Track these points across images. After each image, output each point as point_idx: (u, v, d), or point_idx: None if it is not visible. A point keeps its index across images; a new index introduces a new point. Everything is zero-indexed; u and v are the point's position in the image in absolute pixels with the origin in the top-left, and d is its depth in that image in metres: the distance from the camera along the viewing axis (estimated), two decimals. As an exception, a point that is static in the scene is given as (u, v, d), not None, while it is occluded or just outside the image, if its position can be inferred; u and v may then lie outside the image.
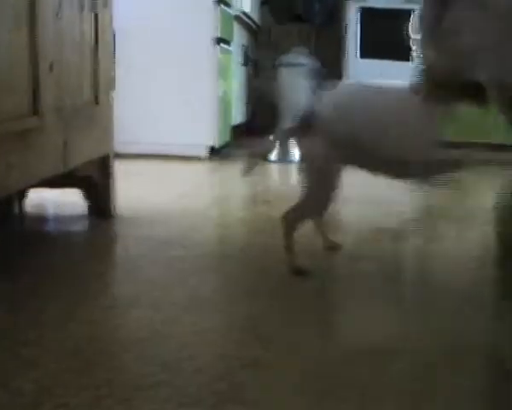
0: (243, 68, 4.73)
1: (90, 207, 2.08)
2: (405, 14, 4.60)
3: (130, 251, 1.75)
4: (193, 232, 1.94)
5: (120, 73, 3.24)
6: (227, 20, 3.81)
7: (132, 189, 2.49)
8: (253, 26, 4.93)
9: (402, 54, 4.28)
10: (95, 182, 2.04)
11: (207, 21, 3.54)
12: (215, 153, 3.58)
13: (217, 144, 3.58)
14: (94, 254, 1.75)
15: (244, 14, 4.38)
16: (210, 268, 1.65)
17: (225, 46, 3.77)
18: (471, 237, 2.05)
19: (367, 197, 2.52)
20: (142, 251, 1.72)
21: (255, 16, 4.84)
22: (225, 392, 0.97)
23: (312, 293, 1.48)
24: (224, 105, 3.76)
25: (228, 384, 0.99)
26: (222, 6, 3.62)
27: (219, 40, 3.60)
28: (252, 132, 4.59)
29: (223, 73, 3.69)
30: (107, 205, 2.06)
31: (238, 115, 4.44)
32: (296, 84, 4.76)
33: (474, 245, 1.95)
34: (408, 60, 4.53)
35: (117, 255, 1.83)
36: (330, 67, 5.09)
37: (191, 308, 1.32)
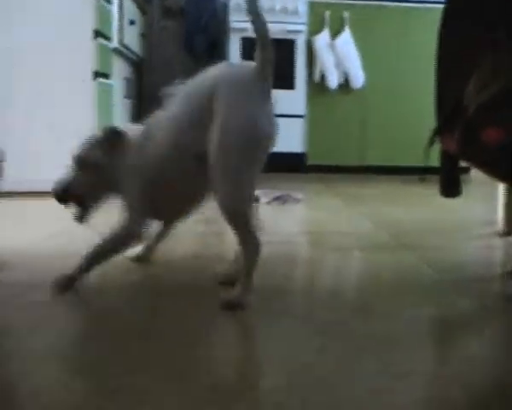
0: (127, 101, 4.69)
1: None
2: (287, 44, 4.77)
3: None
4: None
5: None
6: (105, 53, 3.77)
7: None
8: (135, 59, 4.91)
9: (284, 83, 4.40)
10: None
11: (84, 55, 3.49)
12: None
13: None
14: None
15: (124, 46, 4.36)
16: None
17: (104, 80, 3.73)
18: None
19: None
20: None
21: (136, 48, 4.82)
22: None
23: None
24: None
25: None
26: (99, 39, 3.59)
27: (97, 74, 3.55)
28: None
29: (102, 107, 3.64)
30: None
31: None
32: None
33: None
34: (291, 88, 4.67)
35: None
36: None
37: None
